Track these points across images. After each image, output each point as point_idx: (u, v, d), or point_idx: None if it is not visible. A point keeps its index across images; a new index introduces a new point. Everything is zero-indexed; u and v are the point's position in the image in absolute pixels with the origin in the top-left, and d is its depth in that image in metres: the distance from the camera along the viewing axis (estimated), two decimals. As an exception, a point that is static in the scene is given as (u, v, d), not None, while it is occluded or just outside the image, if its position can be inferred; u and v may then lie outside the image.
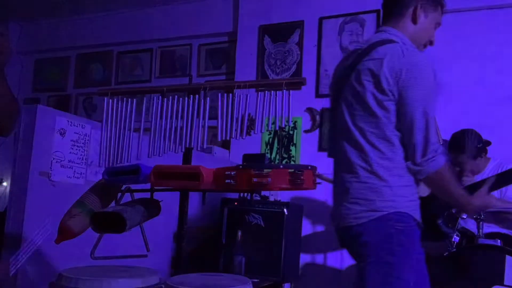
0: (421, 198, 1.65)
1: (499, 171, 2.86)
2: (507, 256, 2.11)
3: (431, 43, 1.73)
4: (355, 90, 1.58)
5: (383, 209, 1.50)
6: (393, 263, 1.49)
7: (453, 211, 2.26)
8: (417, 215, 1.56)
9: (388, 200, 1.50)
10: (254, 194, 1.55)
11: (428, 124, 1.49)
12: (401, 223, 1.50)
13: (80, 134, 2.31)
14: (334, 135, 1.71)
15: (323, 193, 3.51)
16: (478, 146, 2.83)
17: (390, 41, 1.58)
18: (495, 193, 2.81)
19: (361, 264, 1.61)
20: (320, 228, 3.70)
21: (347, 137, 1.60)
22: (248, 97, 1.77)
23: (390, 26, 1.67)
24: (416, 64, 1.50)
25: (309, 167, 1.58)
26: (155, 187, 1.79)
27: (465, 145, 2.80)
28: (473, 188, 1.70)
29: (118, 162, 1.87)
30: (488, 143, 2.90)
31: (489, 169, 2.94)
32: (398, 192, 1.51)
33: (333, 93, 1.80)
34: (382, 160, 1.52)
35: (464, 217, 2.34)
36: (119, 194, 1.82)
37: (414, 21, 1.66)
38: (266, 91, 1.75)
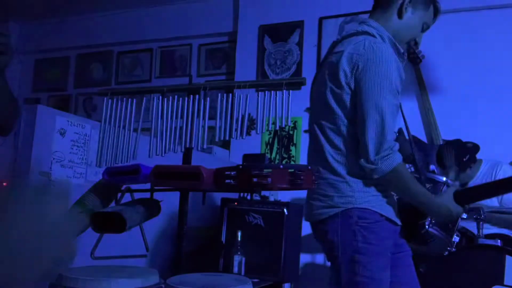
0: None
1: (495, 172, 2.84)
2: (507, 256, 2.11)
3: (415, 43, 1.69)
4: (319, 87, 1.59)
5: (341, 205, 1.48)
6: (360, 262, 1.44)
7: None
8: (385, 210, 1.49)
9: (346, 195, 1.48)
10: (254, 194, 1.55)
11: (384, 120, 1.42)
12: (364, 220, 1.45)
13: (80, 134, 2.31)
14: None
15: (323, 193, 3.52)
16: (464, 160, 2.78)
17: (362, 33, 1.55)
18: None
19: (331, 264, 1.59)
20: (320, 228, 3.70)
21: (312, 134, 1.62)
22: (248, 97, 1.77)
23: (373, 18, 1.63)
24: (374, 57, 1.45)
25: (309, 167, 1.58)
26: (155, 187, 1.79)
27: (451, 159, 2.75)
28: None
29: (118, 162, 1.87)
30: (476, 149, 2.83)
31: (482, 173, 2.90)
32: (358, 188, 1.47)
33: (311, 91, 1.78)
34: (339, 156, 1.51)
35: (464, 217, 2.34)
36: (119, 194, 1.82)
37: (400, 15, 1.61)
38: (266, 91, 1.75)
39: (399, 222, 1.54)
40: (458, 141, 2.89)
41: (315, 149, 1.64)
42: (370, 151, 1.43)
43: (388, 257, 1.48)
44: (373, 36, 1.55)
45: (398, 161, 1.44)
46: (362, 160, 1.46)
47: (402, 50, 1.67)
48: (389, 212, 1.51)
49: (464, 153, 2.80)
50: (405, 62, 1.72)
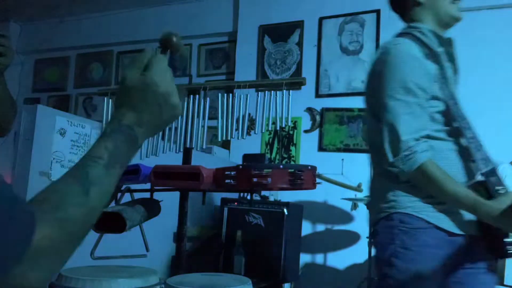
0: None
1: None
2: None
3: (456, 19, 1.57)
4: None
5: (385, 210, 1.44)
6: (396, 266, 1.39)
7: None
8: (434, 217, 1.39)
9: (389, 200, 1.44)
10: (254, 194, 1.55)
11: (394, 120, 1.37)
12: (405, 224, 1.39)
13: (80, 134, 2.31)
14: None
15: (323, 193, 3.53)
16: None
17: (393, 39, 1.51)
18: None
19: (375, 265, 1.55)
20: (320, 228, 3.70)
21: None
22: (248, 97, 1.77)
23: (405, 23, 1.58)
24: (386, 58, 1.41)
25: (309, 167, 1.58)
26: (155, 187, 1.79)
27: None
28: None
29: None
30: None
31: None
32: (400, 192, 1.42)
33: None
34: (383, 161, 1.46)
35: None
36: (119, 194, 1.82)
37: (417, 3, 1.53)
38: (266, 91, 1.75)
39: (459, 232, 1.39)
40: None
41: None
42: (387, 154, 1.38)
43: (432, 266, 1.37)
44: (401, 36, 1.50)
45: (421, 161, 1.34)
46: (384, 165, 1.40)
47: (443, 36, 1.56)
48: (441, 219, 1.39)
49: None
50: (452, 48, 1.61)
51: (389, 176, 1.43)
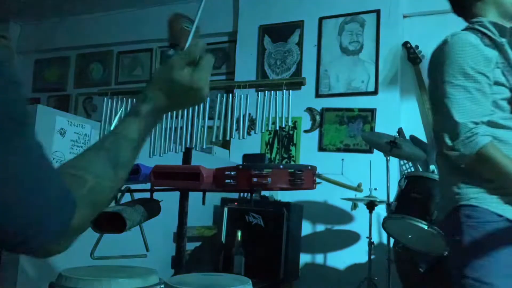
0: None
1: None
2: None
3: None
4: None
5: (451, 204, 1.40)
6: (467, 264, 1.34)
7: None
8: (502, 210, 1.33)
9: (454, 193, 1.39)
10: (254, 194, 1.55)
11: (455, 105, 1.35)
12: (472, 219, 1.34)
13: (80, 134, 2.31)
14: None
15: (323, 193, 3.53)
16: None
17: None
18: None
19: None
20: (320, 228, 3.70)
21: None
22: (248, 97, 1.77)
23: (476, 16, 1.56)
24: (444, 48, 1.43)
25: (309, 167, 1.58)
26: (155, 187, 1.79)
27: None
28: None
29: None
30: None
31: None
32: (463, 184, 1.38)
33: None
34: (442, 147, 1.42)
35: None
36: (119, 194, 1.82)
37: None
38: (266, 91, 1.75)
39: None
40: None
41: None
42: (446, 138, 1.35)
43: (499, 261, 1.31)
44: (465, 30, 1.50)
45: (482, 143, 1.30)
46: (443, 149, 1.36)
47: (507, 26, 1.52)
48: (507, 210, 1.34)
49: None
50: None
51: (450, 167, 1.39)
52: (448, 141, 1.35)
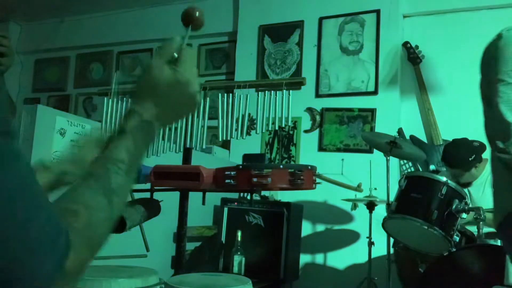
0: None
1: None
2: (507, 256, 2.11)
3: None
4: None
5: (505, 208, 1.35)
6: None
7: (453, 210, 2.25)
8: None
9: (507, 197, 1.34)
10: (254, 194, 1.55)
11: (504, 104, 1.28)
12: None
13: (80, 134, 2.30)
14: None
15: (323, 193, 3.52)
16: (470, 159, 2.73)
17: None
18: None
19: None
20: (320, 228, 3.70)
21: None
22: (248, 97, 1.77)
23: None
24: (497, 43, 1.36)
25: (309, 167, 1.58)
26: (155, 187, 1.79)
27: (457, 161, 2.68)
28: None
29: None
30: (482, 148, 2.77)
31: (488, 172, 2.88)
32: None
33: None
34: (493, 148, 1.36)
35: (464, 217, 2.33)
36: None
37: None
38: (266, 91, 1.75)
39: None
40: (464, 140, 2.87)
41: None
42: (497, 139, 1.28)
43: None
44: None
45: None
46: (495, 151, 1.30)
47: None
48: None
49: (470, 153, 2.75)
50: None
51: (503, 168, 1.33)
52: (499, 143, 1.28)
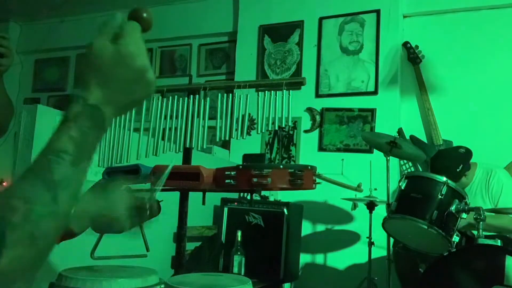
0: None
1: (489, 179, 2.80)
2: (507, 256, 2.11)
3: None
4: None
5: None
6: None
7: (453, 210, 2.25)
8: None
9: None
10: (254, 194, 1.55)
11: None
12: None
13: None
14: None
15: (323, 193, 3.52)
16: (458, 170, 2.69)
17: None
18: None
19: None
20: (320, 228, 3.70)
21: None
22: (248, 97, 1.77)
23: None
24: None
25: (309, 167, 1.58)
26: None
27: (445, 174, 2.66)
28: None
29: (118, 162, 1.87)
30: (468, 155, 2.75)
31: (478, 178, 2.85)
32: None
33: None
34: None
35: (464, 217, 2.33)
36: (119, 194, 1.81)
37: None
38: (266, 91, 1.75)
39: None
40: (450, 150, 2.84)
41: None
42: None
43: None
44: None
45: None
46: None
47: None
48: None
49: (457, 163, 2.71)
50: None
51: None
52: None
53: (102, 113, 0.58)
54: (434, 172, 2.67)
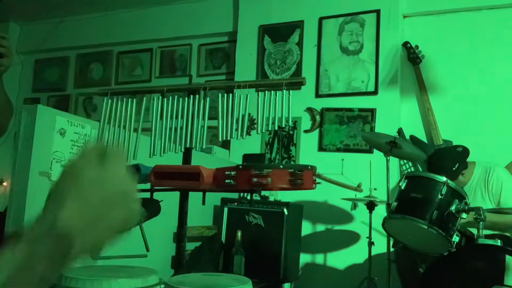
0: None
1: (487, 177, 2.80)
2: (507, 256, 2.11)
3: None
4: None
5: None
6: None
7: (453, 210, 2.25)
8: None
9: None
10: (254, 194, 1.55)
11: None
12: None
13: (80, 134, 2.30)
14: None
15: (323, 193, 3.52)
16: (454, 169, 2.70)
17: None
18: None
19: None
20: (320, 228, 3.70)
21: None
22: (248, 97, 1.77)
23: None
24: None
25: (309, 167, 1.58)
26: (155, 187, 1.79)
27: (442, 173, 2.66)
28: None
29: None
30: (465, 154, 2.75)
31: (476, 176, 2.85)
32: None
33: None
34: None
35: (464, 217, 2.33)
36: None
37: None
38: (266, 91, 1.75)
39: None
40: (447, 149, 2.83)
41: None
42: None
43: None
44: None
45: None
46: None
47: None
48: None
49: (453, 162, 2.72)
50: None
51: None
52: None
53: (69, 242, 0.50)
54: (431, 171, 2.68)
